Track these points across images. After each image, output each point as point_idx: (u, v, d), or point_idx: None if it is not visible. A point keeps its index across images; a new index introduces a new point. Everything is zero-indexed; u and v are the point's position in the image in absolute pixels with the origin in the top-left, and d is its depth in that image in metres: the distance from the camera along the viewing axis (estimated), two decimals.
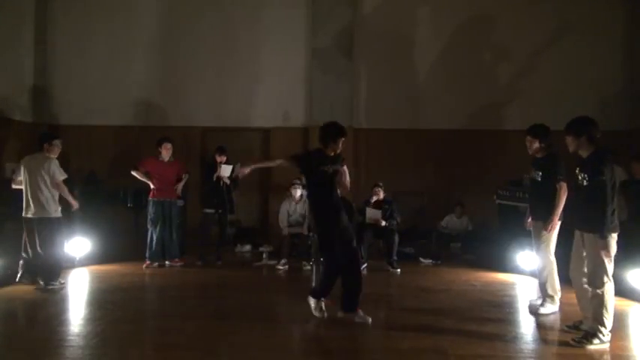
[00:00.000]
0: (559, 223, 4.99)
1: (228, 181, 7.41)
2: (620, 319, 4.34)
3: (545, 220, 4.97)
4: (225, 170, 7.35)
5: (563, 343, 4.24)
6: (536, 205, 5.18)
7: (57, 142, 6.16)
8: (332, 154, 4.81)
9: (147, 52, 10.31)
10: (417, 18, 10.22)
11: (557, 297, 5.08)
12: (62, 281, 6.05)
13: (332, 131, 4.79)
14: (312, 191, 4.93)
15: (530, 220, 5.29)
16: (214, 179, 7.41)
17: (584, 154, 4.29)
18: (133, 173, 7.24)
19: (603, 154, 4.21)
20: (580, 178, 4.28)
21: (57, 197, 6.02)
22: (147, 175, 7.25)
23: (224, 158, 7.48)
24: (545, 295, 5.10)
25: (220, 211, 7.53)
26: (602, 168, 4.10)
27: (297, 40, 10.18)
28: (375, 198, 7.63)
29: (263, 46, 10.13)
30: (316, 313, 4.74)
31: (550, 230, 4.95)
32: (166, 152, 7.33)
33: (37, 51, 10.24)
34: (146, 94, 10.32)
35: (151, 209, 7.23)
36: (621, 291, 4.77)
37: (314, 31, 10.07)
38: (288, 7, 10.17)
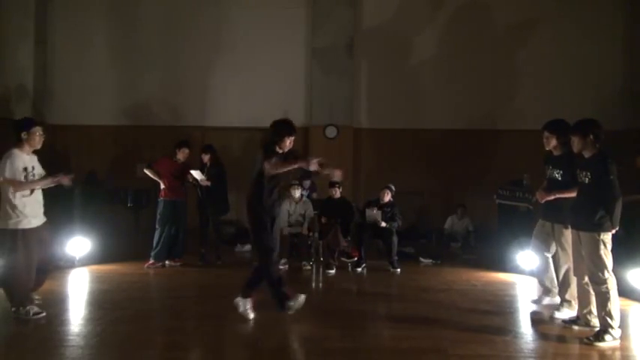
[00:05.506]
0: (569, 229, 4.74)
1: (208, 183, 7.33)
2: (620, 319, 4.33)
3: (568, 222, 4.66)
4: (196, 175, 7.31)
5: (563, 342, 4.24)
6: (557, 205, 4.80)
7: None
8: (280, 152, 4.67)
9: (147, 52, 10.31)
10: (417, 18, 10.24)
11: (576, 303, 4.86)
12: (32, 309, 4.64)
13: (283, 129, 4.68)
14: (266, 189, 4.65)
15: (543, 219, 5.08)
16: (190, 180, 7.38)
17: (586, 154, 4.31)
18: (146, 171, 7.26)
19: (607, 154, 4.22)
20: (582, 176, 4.29)
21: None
22: (158, 174, 7.26)
23: (207, 157, 7.47)
24: (562, 300, 4.98)
25: (208, 211, 7.52)
26: (610, 167, 4.12)
27: (297, 40, 10.20)
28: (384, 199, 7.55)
29: (263, 45, 10.14)
30: (298, 305, 4.66)
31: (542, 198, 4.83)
32: (183, 156, 7.34)
33: (37, 51, 10.25)
34: (146, 94, 10.33)
35: (162, 209, 7.21)
36: (621, 291, 4.75)
37: (314, 31, 10.09)
38: (288, 7, 10.18)
